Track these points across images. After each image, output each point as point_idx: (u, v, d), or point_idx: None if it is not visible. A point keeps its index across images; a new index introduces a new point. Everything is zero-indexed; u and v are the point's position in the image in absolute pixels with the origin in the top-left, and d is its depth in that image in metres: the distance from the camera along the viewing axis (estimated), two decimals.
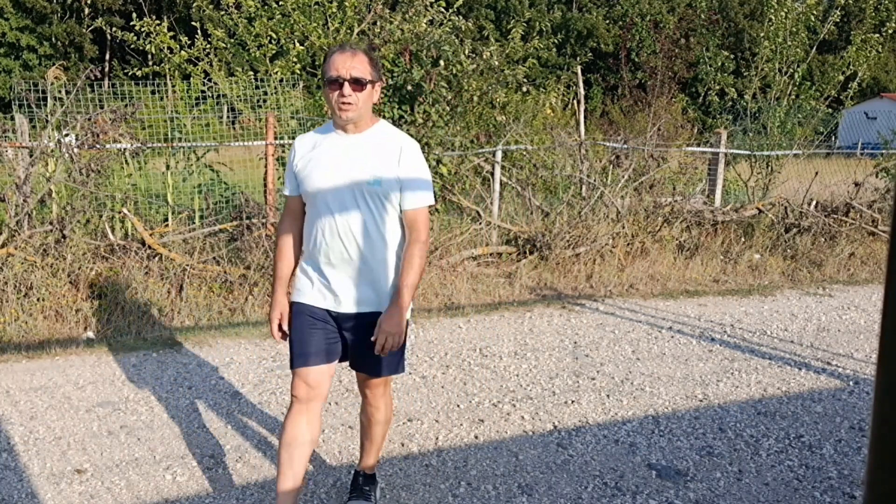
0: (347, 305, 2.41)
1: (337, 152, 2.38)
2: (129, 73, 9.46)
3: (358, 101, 2.31)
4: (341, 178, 2.35)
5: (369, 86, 2.34)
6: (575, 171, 7.73)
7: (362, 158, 2.36)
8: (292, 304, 2.49)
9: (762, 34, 9.65)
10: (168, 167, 6.41)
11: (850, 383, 4.27)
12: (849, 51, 9.76)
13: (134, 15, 9.45)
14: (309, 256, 2.46)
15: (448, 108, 6.93)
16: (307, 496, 2.87)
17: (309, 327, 2.44)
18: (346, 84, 2.28)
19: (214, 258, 5.64)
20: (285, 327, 2.50)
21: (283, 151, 6.80)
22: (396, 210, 2.40)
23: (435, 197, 6.81)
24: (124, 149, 5.87)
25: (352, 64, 2.29)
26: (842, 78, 9.75)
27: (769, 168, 9.11)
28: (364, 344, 2.42)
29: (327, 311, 2.44)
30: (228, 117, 8.19)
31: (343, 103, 2.30)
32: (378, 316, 2.40)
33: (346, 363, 2.56)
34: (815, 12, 9.49)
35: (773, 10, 9.32)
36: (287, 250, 2.54)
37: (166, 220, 6.27)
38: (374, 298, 2.41)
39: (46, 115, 5.67)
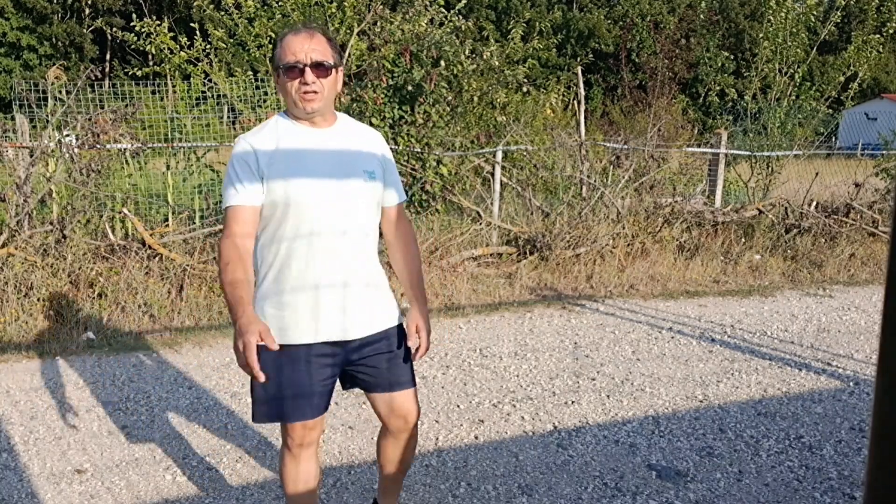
0: (362, 329, 2.07)
1: (319, 150, 2.03)
2: (130, 74, 9.46)
3: (323, 88, 1.99)
4: (335, 178, 2.01)
5: (333, 71, 2.01)
6: (575, 171, 7.73)
7: (349, 153, 2.06)
8: (263, 351, 1.87)
9: (762, 35, 9.66)
10: (168, 167, 6.41)
11: (851, 384, 4.27)
12: (849, 51, 9.76)
13: (134, 15, 9.45)
14: (289, 283, 2.00)
15: (448, 109, 6.93)
16: None
17: (299, 372, 2.03)
18: (308, 70, 1.95)
19: (215, 258, 5.64)
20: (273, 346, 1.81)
21: None
22: (377, 211, 2.16)
23: (435, 197, 6.85)
24: (125, 149, 5.87)
25: (311, 46, 1.96)
26: (842, 78, 9.75)
27: (769, 169, 9.12)
28: (387, 361, 2.13)
29: (329, 342, 2.05)
30: (229, 117, 8.19)
31: (306, 93, 1.97)
32: (385, 332, 2.14)
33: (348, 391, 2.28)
34: (815, 13, 9.49)
35: (772, 11, 9.32)
36: (245, 272, 1.94)
37: (166, 220, 6.27)
38: (385, 310, 2.13)
39: (47, 115, 5.67)
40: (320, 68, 1.97)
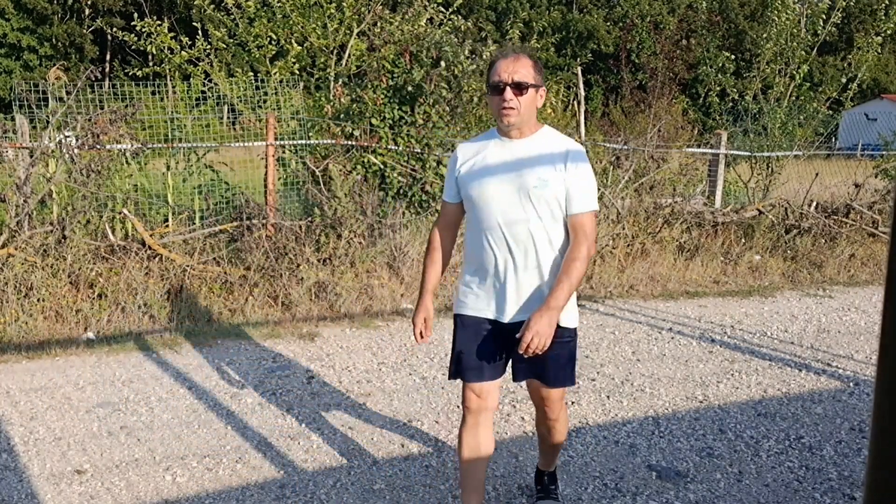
0: (513, 314, 2.37)
1: (502, 157, 2.37)
2: (130, 74, 9.45)
3: (520, 105, 2.30)
4: (507, 182, 2.34)
5: (531, 90, 2.32)
6: None
7: (528, 163, 2.34)
8: (457, 317, 2.50)
9: (764, 35, 9.65)
10: (168, 168, 6.41)
11: (851, 385, 4.27)
12: (853, 54, 9.76)
13: (135, 15, 9.45)
14: (473, 266, 2.45)
15: (448, 109, 6.93)
16: (307, 497, 2.87)
17: (475, 340, 2.43)
18: (508, 88, 2.28)
19: (215, 259, 5.64)
20: (427, 334, 2.52)
21: (284, 152, 6.80)
22: (562, 216, 2.35)
23: (435, 198, 6.85)
24: (125, 149, 5.87)
25: (514, 68, 2.30)
26: (843, 80, 9.75)
27: (769, 169, 9.11)
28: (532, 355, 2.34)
29: (494, 321, 2.41)
30: (229, 118, 8.18)
31: (503, 108, 2.30)
32: None
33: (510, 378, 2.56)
34: (823, 16, 9.48)
35: (775, 12, 9.31)
36: (438, 258, 2.55)
37: (166, 220, 6.27)
38: (537, 307, 2.31)
39: (47, 116, 5.67)
40: (519, 88, 2.29)
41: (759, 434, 3.55)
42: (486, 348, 2.44)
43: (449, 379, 2.55)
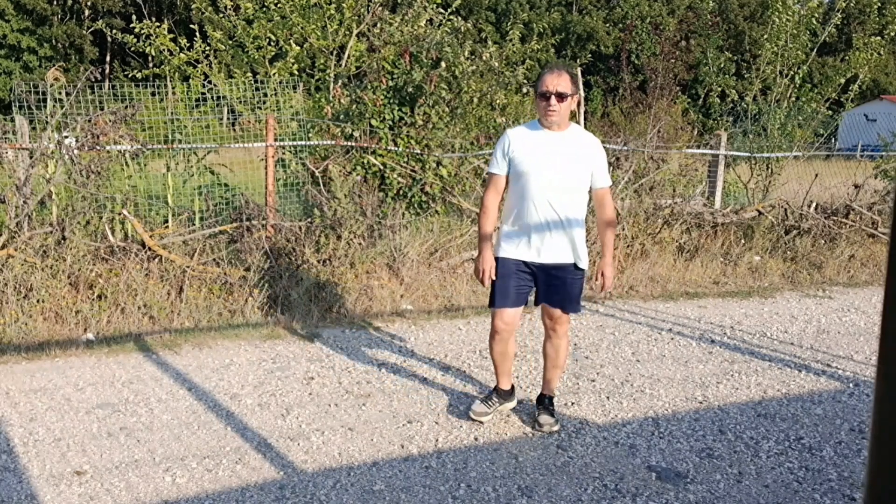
0: (546, 257, 3.29)
1: (547, 144, 3.24)
2: (130, 75, 9.44)
3: (560, 109, 3.20)
4: (551, 163, 3.20)
5: (569, 98, 3.20)
6: None
7: (566, 150, 3.24)
8: (498, 259, 3.33)
9: (763, 36, 9.65)
10: (168, 169, 6.40)
11: (850, 385, 4.27)
12: (851, 55, 9.75)
13: (134, 17, 9.44)
14: (514, 221, 3.30)
15: (448, 110, 6.92)
16: (307, 498, 2.87)
17: (510, 277, 3.32)
18: (552, 97, 3.15)
19: (214, 260, 5.64)
20: (492, 276, 3.33)
21: (283, 153, 6.80)
22: (585, 189, 3.30)
23: (434, 199, 6.85)
24: (124, 150, 5.87)
25: (557, 81, 3.16)
26: (842, 80, 9.74)
27: (769, 170, 9.11)
28: (554, 286, 3.33)
29: (527, 262, 3.31)
30: (228, 119, 8.18)
31: (549, 110, 3.19)
32: (566, 265, 3.31)
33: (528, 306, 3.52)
34: (816, 15, 9.48)
35: (777, 13, 9.30)
36: (493, 217, 3.37)
37: (166, 221, 6.26)
38: (566, 252, 3.29)
39: (46, 117, 5.67)
40: (560, 96, 3.18)
41: (759, 435, 3.54)
42: (516, 283, 3.33)
43: (489, 307, 3.42)
